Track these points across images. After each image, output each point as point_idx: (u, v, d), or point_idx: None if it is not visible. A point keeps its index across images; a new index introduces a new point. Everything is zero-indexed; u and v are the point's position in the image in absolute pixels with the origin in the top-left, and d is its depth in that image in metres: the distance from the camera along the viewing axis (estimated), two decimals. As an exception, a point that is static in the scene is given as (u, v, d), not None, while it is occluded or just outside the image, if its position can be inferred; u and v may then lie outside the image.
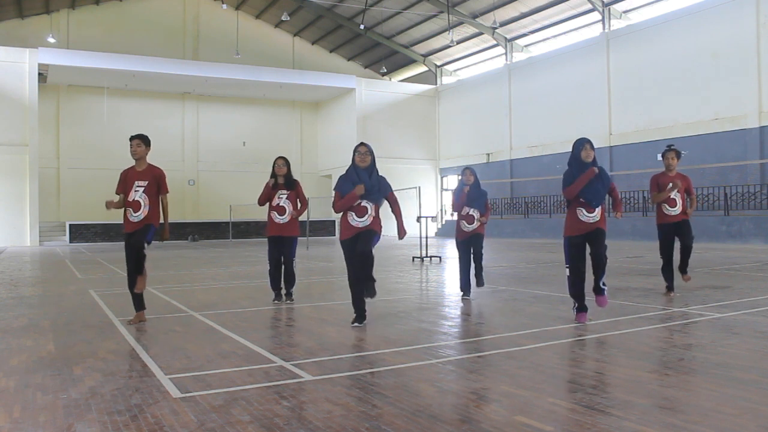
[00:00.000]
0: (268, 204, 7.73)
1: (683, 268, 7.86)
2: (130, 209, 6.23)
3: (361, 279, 5.91)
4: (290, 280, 7.79)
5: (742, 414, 3.26)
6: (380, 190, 5.95)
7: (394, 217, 6.20)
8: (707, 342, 5.07)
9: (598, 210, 5.95)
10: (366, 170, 5.95)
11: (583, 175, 5.89)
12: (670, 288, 7.81)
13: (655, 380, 3.96)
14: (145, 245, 6.22)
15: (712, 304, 7.04)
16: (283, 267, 7.75)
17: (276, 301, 7.76)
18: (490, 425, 3.16)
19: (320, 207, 31.62)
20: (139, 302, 6.37)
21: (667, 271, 7.80)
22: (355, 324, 5.99)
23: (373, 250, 5.96)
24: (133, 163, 6.42)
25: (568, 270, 6.04)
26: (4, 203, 26.82)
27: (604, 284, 6.06)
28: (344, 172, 6.05)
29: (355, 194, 5.83)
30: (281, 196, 7.61)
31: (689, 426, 3.08)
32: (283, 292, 7.84)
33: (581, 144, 5.99)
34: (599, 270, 6.00)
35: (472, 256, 7.90)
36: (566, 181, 6.02)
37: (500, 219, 29.07)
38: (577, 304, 6.04)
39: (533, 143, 29.52)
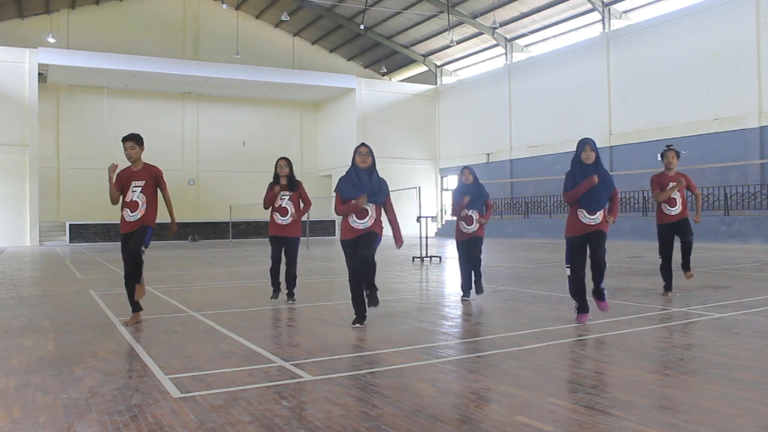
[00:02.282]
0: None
1: (686, 265, 7.83)
2: (128, 209, 6.16)
3: (362, 280, 5.91)
4: (291, 282, 7.77)
5: (742, 414, 3.26)
6: (380, 192, 5.91)
7: (389, 223, 6.12)
8: (707, 342, 5.07)
9: (599, 213, 5.95)
10: (366, 171, 5.91)
11: (584, 182, 5.88)
12: (667, 288, 7.83)
13: (655, 380, 3.96)
14: (143, 250, 6.15)
15: (712, 304, 7.04)
16: (285, 268, 7.73)
17: (273, 298, 7.76)
18: (490, 425, 3.16)
19: (320, 207, 31.60)
20: (136, 303, 6.34)
21: (665, 271, 7.82)
22: (356, 324, 5.99)
23: (375, 254, 5.95)
24: (129, 163, 6.33)
25: (568, 270, 6.04)
26: (4, 203, 26.83)
27: (603, 288, 6.06)
28: (344, 174, 6.01)
29: (357, 205, 5.78)
30: (283, 197, 7.60)
31: (689, 426, 3.08)
32: (285, 291, 7.83)
33: (582, 145, 6.00)
34: (598, 274, 5.98)
35: (469, 260, 7.70)
36: (567, 185, 6.05)
37: (500, 219, 29.08)
38: (577, 305, 6.05)
39: (533, 143, 29.52)
